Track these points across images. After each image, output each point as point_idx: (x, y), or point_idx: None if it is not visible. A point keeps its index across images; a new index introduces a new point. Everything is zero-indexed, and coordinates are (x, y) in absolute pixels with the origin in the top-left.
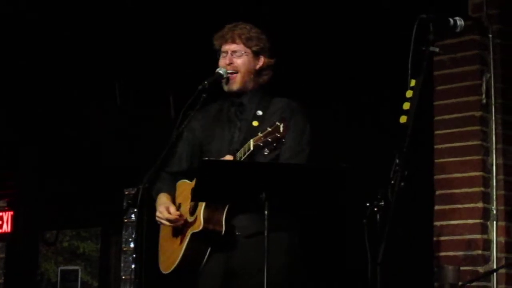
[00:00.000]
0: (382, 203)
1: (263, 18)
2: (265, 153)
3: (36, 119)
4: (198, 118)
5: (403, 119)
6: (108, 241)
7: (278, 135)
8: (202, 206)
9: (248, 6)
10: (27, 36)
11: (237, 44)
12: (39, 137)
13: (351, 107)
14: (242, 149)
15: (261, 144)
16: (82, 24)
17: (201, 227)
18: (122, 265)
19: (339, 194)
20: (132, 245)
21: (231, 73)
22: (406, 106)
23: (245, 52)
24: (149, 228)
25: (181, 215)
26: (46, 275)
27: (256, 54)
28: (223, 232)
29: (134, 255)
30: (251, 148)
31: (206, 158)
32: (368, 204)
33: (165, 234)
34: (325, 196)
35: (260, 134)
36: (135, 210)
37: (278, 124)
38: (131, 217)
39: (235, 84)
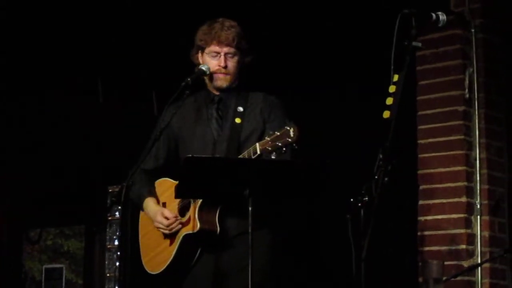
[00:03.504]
0: (366, 198)
1: (247, 12)
2: (273, 157)
3: (18, 117)
4: (173, 113)
5: (386, 114)
6: (92, 239)
7: (289, 140)
8: (195, 207)
9: (231, 3)
10: (12, 30)
11: (231, 46)
12: (22, 135)
13: (334, 102)
14: (247, 152)
15: (269, 148)
16: (65, 20)
17: (197, 229)
18: (106, 262)
19: (322, 189)
20: (116, 242)
21: (224, 73)
22: (389, 101)
23: (236, 53)
24: (133, 225)
25: (176, 217)
26: (30, 273)
27: (244, 54)
28: (217, 232)
29: (119, 253)
30: (258, 152)
31: (190, 155)
32: (352, 200)
33: (148, 232)
34: (308, 192)
35: (267, 138)
36: (119, 207)
37: (288, 128)
38: (115, 215)
39: (226, 82)
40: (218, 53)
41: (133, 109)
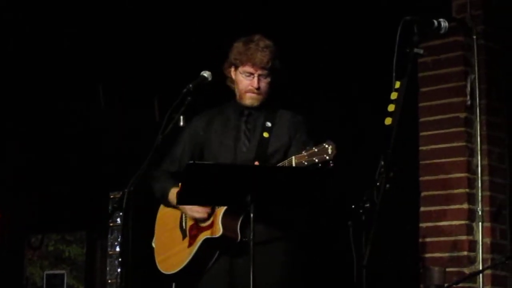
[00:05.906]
0: (368, 205)
1: (251, 21)
2: None
3: (20, 123)
4: (201, 122)
5: (388, 120)
6: (94, 245)
7: (326, 157)
8: (220, 212)
9: (235, 10)
10: (12, 34)
11: (265, 68)
12: (23, 140)
13: (336, 109)
14: (281, 163)
15: (305, 162)
16: (67, 25)
17: (219, 234)
18: (108, 269)
19: (324, 195)
20: (117, 248)
21: (256, 93)
22: (391, 107)
23: (269, 74)
24: (134, 231)
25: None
26: (32, 279)
27: (277, 74)
28: (238, 239)
29: (120, 259)
30: (293, 165)
31: (191, 161)
32: (353, 206)
33: (166, 231)
34: (310, 197)
35: (304, 153)
36: (121, 213)
37: (326, 146)
38: (117, 221)
39: (257, 101)
40: (252, 74)
41: (134, 115)
